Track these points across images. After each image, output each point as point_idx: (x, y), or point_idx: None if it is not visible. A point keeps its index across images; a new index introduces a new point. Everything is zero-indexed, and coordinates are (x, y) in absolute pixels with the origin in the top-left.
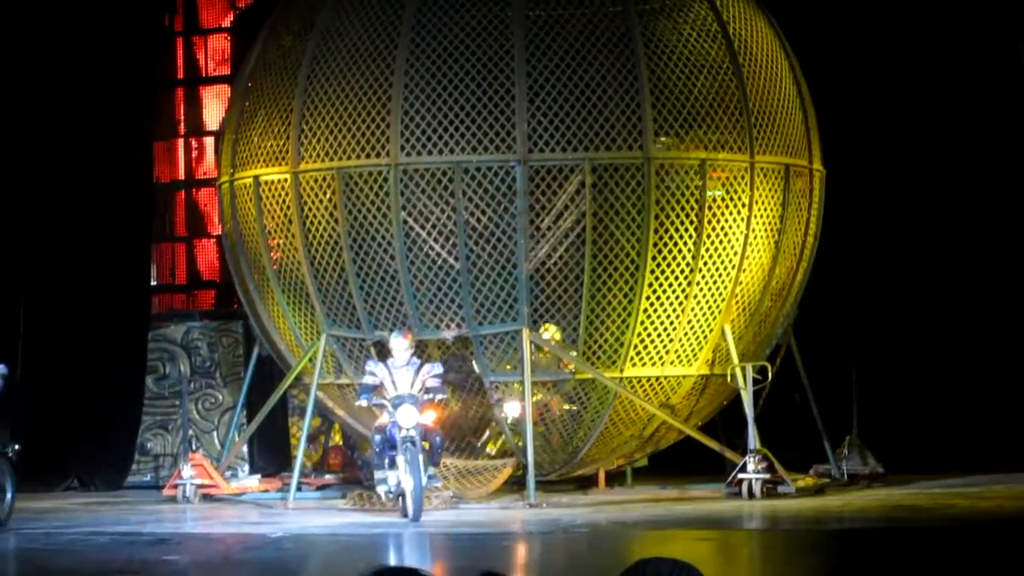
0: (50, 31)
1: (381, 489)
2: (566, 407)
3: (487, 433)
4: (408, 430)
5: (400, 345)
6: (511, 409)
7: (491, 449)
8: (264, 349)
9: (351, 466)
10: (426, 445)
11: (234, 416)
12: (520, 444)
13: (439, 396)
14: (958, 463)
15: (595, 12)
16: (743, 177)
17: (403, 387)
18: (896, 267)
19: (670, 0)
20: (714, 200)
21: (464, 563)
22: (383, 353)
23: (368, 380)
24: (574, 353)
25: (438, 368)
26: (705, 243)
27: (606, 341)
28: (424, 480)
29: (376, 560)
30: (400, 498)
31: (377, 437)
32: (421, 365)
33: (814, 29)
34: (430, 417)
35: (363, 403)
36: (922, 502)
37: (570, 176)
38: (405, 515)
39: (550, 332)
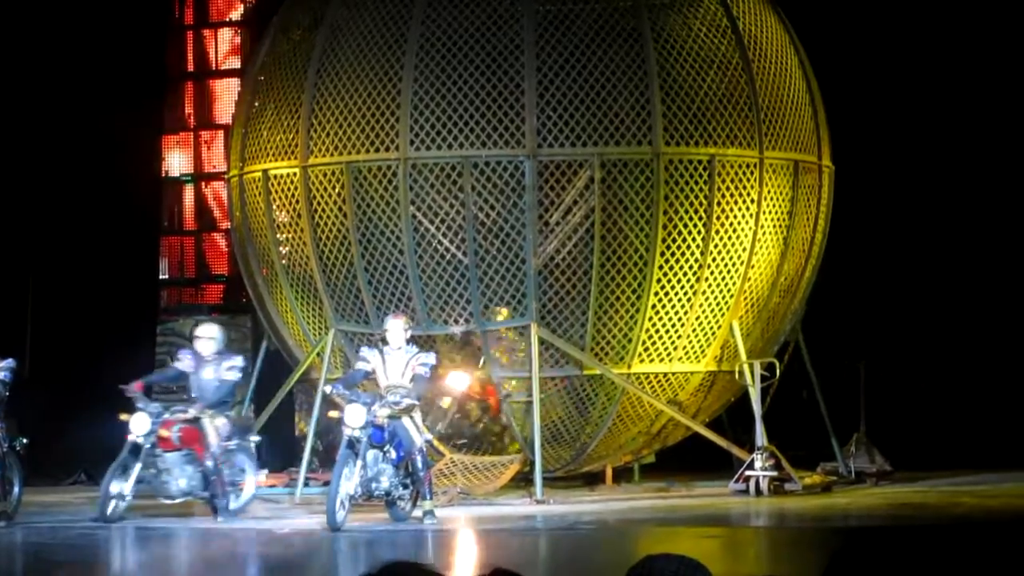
0: (59, 24)
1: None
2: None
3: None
4: (354, 430)
5: (395, 326)
6: (455, 381)
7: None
8: (272, 343)
9: None
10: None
11: (242, 411)
12: (525, 434)
13: (407, 400)
14: (967, 461)
15: (605, 7)
16: (752, 173)
17: (393, 374)
18: (905, 263)
19: None
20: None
21: (471, 559)
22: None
23: (360, 365)
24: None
25: (430, 357)
26: (714, 239)
27: (614, 337)
28: (385, 487)
29: (382, 556)
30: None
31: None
32: (416, 354)
33: (824, 24)
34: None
35: (332, 391)
36: (930, 500)
37: (579, 171)
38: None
39: (502, 315)
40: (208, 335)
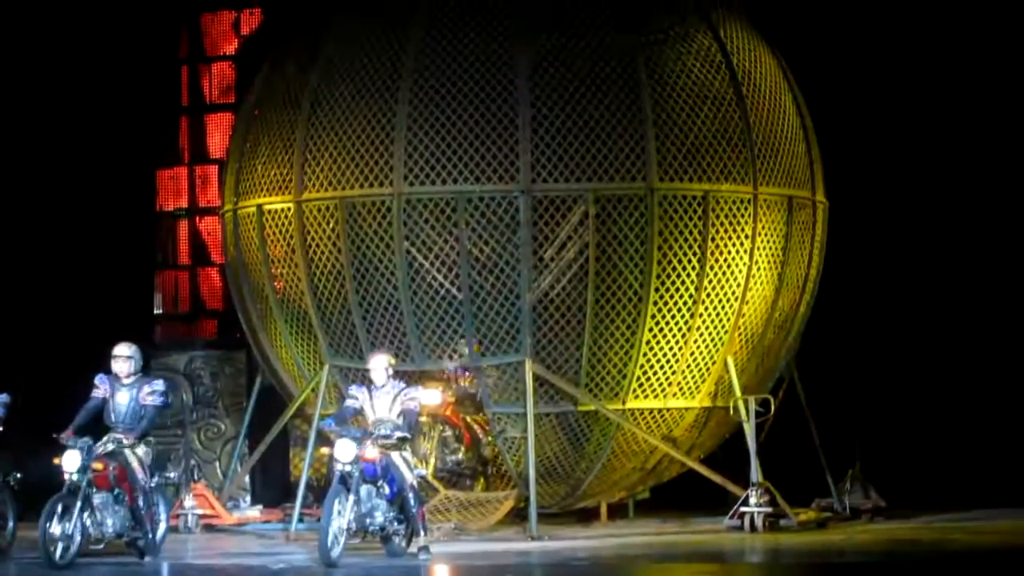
0: (56, 59)
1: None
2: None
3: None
4: (345, 465)
5: (378, 364)
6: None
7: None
8: (266, 379)
9: None
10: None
11: (236, 446)
12: (520, 470)
13: (398, 434)
14: (961, 498)
15: (599, 43)
16: (746, 209)
17: (381, 411)
18: (899, 300)
19: (674, 31)
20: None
21: None
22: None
23: (349, 403)
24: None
25: (416, 391)
26: (708, 275)
27: (608, 373)
28: (379, 523)
29: None
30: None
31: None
32: (403, 389)
33: (818, 61)
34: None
35: (324, 428)
36: (924, 536)
37: (573, 207)
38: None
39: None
40: (123, 354)
